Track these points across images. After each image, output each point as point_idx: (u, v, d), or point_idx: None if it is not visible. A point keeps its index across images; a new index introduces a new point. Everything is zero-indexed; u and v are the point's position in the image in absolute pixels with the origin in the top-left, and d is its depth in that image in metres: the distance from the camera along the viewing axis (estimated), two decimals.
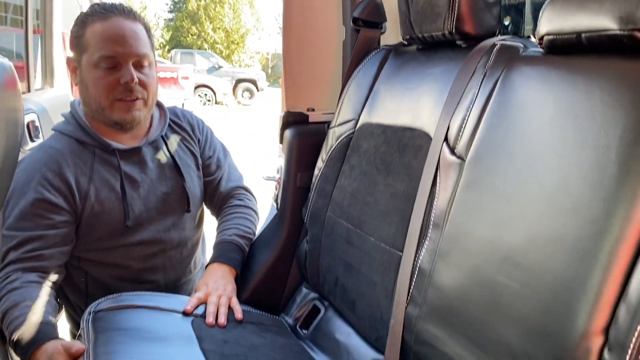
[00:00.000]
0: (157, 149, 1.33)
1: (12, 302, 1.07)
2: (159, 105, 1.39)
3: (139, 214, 1.27)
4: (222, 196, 1.42)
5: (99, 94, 1.20)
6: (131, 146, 1.28)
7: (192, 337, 1.04)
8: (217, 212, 1.44)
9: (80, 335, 1.03)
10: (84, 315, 1.07)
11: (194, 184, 1.38)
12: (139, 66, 1.22)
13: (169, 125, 1.37)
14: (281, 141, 1.40)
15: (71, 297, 1.34)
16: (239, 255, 1.28)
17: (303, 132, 1.37)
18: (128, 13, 1.23)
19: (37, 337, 1.02)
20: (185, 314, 1.10)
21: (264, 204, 1.50)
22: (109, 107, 1.21)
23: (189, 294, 1.26)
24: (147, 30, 1.26)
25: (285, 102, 1.40)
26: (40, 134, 1.66)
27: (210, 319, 1.10)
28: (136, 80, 1.20)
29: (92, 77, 1.20)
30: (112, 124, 1.24)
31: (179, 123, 1.40)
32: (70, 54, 1.27)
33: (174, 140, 1.38)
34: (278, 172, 1.44)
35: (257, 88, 14.24)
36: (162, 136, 1.34)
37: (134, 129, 1.27)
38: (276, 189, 1.45)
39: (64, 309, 1.44)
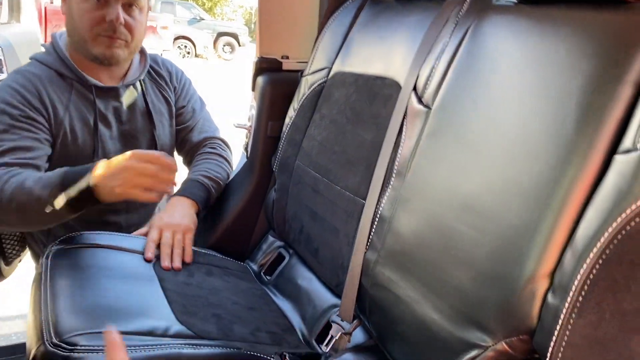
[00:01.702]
0: (132, 92, 1.32)
1: (29, 177, 1.07)
2: (141, 50, 1.38)
3: (107, 153, 1.26)
4: (194, 145, 1.42)
5: (83, 27, 1.20)
6: (108, 85, 1.27)
7: (154, 277, 1.05)
8: (188, 160, 1.43)
9: (40, 272, 1.02)
10: (44, 252, 1.06)
11: (164, 132, 1.38)
12: (128, 8, 1.21)
13: (148, 71, 1.37)
14: (253, 88, 1.38)
15: (35, 235, 1.33)
16: (203, 193, 1.27)
17: (276, 80, 1.35)
18: None
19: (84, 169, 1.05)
20: (147, 261, 1.10)
21: (235, 152, 1.49)
22: (91, 41, 1.20)
23: None
24: None
25: (259, 48, 1.37)
26: (4, 68, 1.61)
27: (165, 262, 1.09)
28: (122, 20, 1.19)
29: (79, 8, 1.19)
30: (91, 58, 1.23)
31: (158, 70, 1.40)
32: None
33: (150, 86, 1.37)
34: (249, 120, 1.42)
35: (238, 43, 13.93)
36: (139, 80, 1.34)
37: (112, 66, 1.26)
38: (247, 137, 1.44)
39: (27, 248, 1.43)
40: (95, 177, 1.03)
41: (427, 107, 0.85)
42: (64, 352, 0.76)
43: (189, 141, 1.42)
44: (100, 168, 1.04)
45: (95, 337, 0.79)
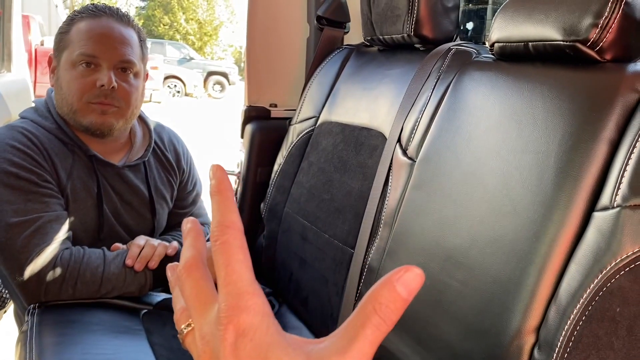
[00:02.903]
0: (135, 174, 1.26)
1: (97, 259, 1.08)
2: (144, 122, 1.32)
3: (110, 230, 1.23)
4: (177, 225, 1.40)
5: (72, 95, 1.12)
6: (110, 161, 1.20)
7: (141, 331, 1.04)
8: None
9: (25, 330, 1.01)
10: (28, 308, 1.05)
11: (163, 215, 1.34)
12: (122, 73, 1.14)
13: (153, 149, 1.30)
14: (242, 135, 1.40)
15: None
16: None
17: (265, 127, 1.37)
18: (122, 16, 1.16)
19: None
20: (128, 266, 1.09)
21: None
22: (80, 110, 1.12)
23: None
24: (141, 39, 1.19)
25: (247, 97, 1.39)
26: None
27: (128, 261, 1.09)
28: (114, 85, 1.11)
29: (68, 76, 1.12)
30: (83, 130, 1.16)
31: (164, 151, 1.33)
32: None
33: (155, 168, 1.31)
34: (238, 167, 1.43)
35: (228, 82, 14.11)
36: (143, 162, 1.26)
37: (106, 137, 1.18)
38: (236, 184, 1.45)
39: (11, 305, 1.41)
40: None
41: (412, 159, 0.87)
42: None
43: (179, 224, 1.41)
44: None
45: None
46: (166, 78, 11.92)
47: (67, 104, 1.14)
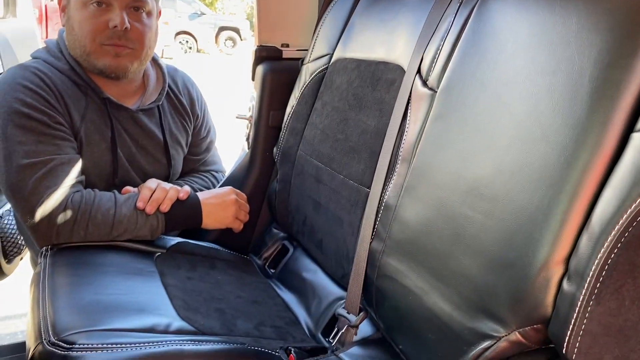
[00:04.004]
0: (150, 118, 1.23)
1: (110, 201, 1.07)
2: (158, 65, 1.28)
3: (124, 175, 1.21)
4: (190, 172, 1.39)
5: (85, 37, 1.09)
6: (123, 104, 1.18)
7: (154, 273, 1.02)
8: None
9: (39, 272, 1.00)
10: (41, 250, 1.04)
11: (179, 160, 1.32)
12: (134, 12, 1.11)
13: (167, 93, 1.27)
14: (253, 77, 1.35)
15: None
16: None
17: (276, 68, 1.32)
18: None
19: None
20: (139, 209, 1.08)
21: (236, 143, 1.46)
22: (94, 53, 1.10)
23: None
24: None
25: (258, 36, 1.34)
26: (0, 64, 1.58)
27: (139, 203, 1.08)
28: (127, 25, 1.08)
29: (79, 16, 1.09)
30: (97, 72, 1.13)
31: (178, 96, 1.30)
32: None
33: (169, 112, 1.28)
34: (250, 111, 1.39)
35: (240, 37, 13.88)
36: (157, 106, 1.24)
37: (121, 79, 1.16)
38: (247, 129, 1.41)
39: (27, 252, 1.41)
40: (206, 216, 1.16)
41: (432, 90, 0.82)
42: (61, 351, 0.74)
43: (193, 170, 1.39)
44: (208, 206, 1.17)
45: (93, 335, 0.77)
46: (177, 34, 11.76)
47: (80, 45, 1.12)
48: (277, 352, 0.86)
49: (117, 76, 1.15)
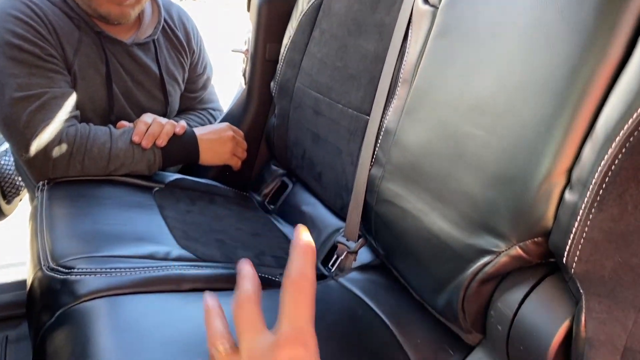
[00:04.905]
0: (145, 53, 1.21)
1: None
2: None
3: (120, 112, 1.19)
4: (188, 110, 1.37)
5: None
6: (118, 37, 1.15)
7: (153, 205, 1.02)
8: None
9: (36, 205, 1.00)
10: (38, 185, 1.03)
11: (176, 97, 1.30)
12: None
13: (163, 28, 1.25)
14: (249, 8, 1.30)
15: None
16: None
17: None
18: None
19: None
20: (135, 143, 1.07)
21: (233, 77, 1.44)
22: (95, 0, 1.08)
23: None
24: None
25: None
26: None
27: (135, 137, 1.06)
28: None
29: None
30: (97, 17, 1.11)
31: (174, 29, 1.27)
32: None
33: (165, 47, 1.25)
34: (246, 44, 1.35)
35: None
36: (153, 40, 1.21)
37: (122, 24, 1.15)
38: (244, 62, 1.38)
39: (26, 193, 1.40)
40: (203, 151, 1.15)
41: (434, 6, 0.78)
42: (60, 275, 0.74)
43: (190, 108, 1.37)
44: (205, 142, 1.15)
45: (92, 261, 0.77)
46: None
47: None
48: (277, 278, 0.86)
49: (120, 23, 1.13)
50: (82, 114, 1.11)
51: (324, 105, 1.06)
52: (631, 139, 0.50)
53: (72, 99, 1.07)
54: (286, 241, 1.07)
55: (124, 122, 1.13)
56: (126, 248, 0.82)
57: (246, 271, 0.43)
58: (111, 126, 1.09)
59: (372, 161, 0.86)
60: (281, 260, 0.97)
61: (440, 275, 0.70)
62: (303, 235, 0.42)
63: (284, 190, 1.26)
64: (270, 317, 0.74)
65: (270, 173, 1.31)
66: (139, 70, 1.20)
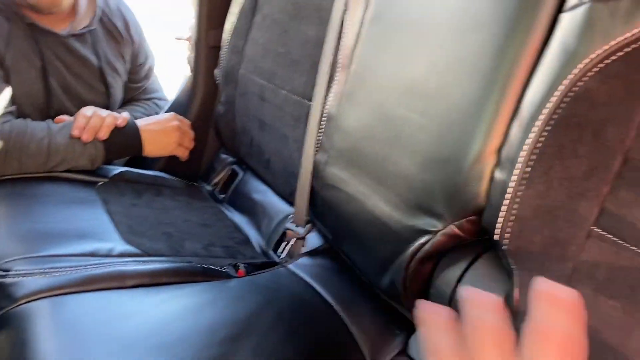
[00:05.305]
0: (83, 44, 1.16)
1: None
2: None
3: (60, 105, 1.15)
4: (131, 101, 1.34)
5: None
6: (52, 29, 1.11)
7: (97, 201, 0.99)
8: None
9: None
10: None
11: (118, 88, 1.26)
12: None
13: (100, 18, 1.20)
14: None
15: None
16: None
17: None
18: None
19: None
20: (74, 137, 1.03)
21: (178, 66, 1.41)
22: None
23: None
24: None
25: None
26: None
27: (74, 131, 1.03)
28: None
29: None
30: (26, 6, 1.07)
31: (112, 20, 1.23)
32: None
33: (103, 38, 1.21)
34: (189, 31, 1.32)
35: None
36: (90, 31, 1.17)
37: (53, 13, 1.10)
38: (189, 50, 1.35)
39: None
40: (147, 143, 1.12)
41: None
42: None
43: (134, 99, 1.34)
44: (148, 133, 1.12)
45: (31, 261, 0.75)
46: None
47: None
48: (226, 268, 0.86)
49: (51, 12, 1.09)
50: (19, 110, 1.07)
51: (269, 92, 1.05)
52: (554, 117, 0.51)
53: (6, 94, 1.03)
54: (236, 230, 1.07)
55: (63, 117, 1.09)
56: (67, 246, 0.80)
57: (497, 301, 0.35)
58: (50, 121, 1.05)
59: (316, 147, 0.86)
60: (231, 249, 0.97)
61: (383, 256, 0.71)
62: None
63: (234, 178, 1.25)
64: (219, 307, 0.74)
65: (220, 162, 1.30)
66: (77, 62, 1.16)
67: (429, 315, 0.36)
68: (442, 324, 0.35)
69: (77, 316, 0.67)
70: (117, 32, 1.24)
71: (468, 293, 0.35)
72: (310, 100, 0.92)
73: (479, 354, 0.32)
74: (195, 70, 1.29)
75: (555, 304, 0.32)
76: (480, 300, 0.35)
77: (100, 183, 1.06)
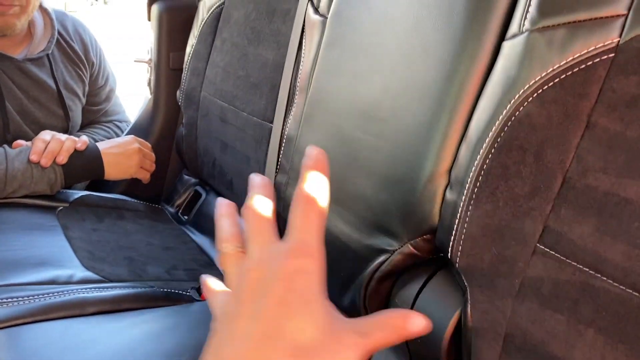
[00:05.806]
0: (40, 68, 1.15)
1: None
2: (45, 10, 1.19)
3: (17, 131, 1.13)
4: (92, 124, 1.33)
5: None
6: (7, 54, 1.10)
7: (57, 227, 0.98)
8: None
9: None
10: None
11: (77, 112, 1.25)
12: None
13: (57, 40, 1.19)
14: (149, 17, 1.28)
15: None
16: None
17: (172, 7, 1.26)
18: None
19: None
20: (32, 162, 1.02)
21: (139, 88, 1.40)
22: None
23: None
24: None
25: None
26: None
27: (33, 156, 1.01)
28: None
29: None
30: None
31: (69, 42, 1.22)
32: None
33: (60, 61, 1.20)
34: (149, 53, 1.33)
35: None
36: (47, 55, 1.16)
37: (7, 37, 1.09)
38: (148, 72, 1.35)
39: None
40: (108, 166, 1.11)
41: (323, 16, 0.80)
42: None
43: (94, 122, 1.33)
44: (109, 156, 1.12)
45: None
46: None
47: None
48: (189, 292, 0.86)
49: (4, 34, 1.08)
50: None
51: (230, 114, 1.06)
52: (499, 139, 0.54)
53: None
54: (200, 252, 1.07)
55: (20, 142, 1.07)
56: (25, 275, 0.79)
57: (258, 180, 0.42)
58: (6, 146, 1.04)
59: (277, 168, 0.87)
60: (194, 272, 0.97)
61: (344, 275, 0.72)
62: (315, 152, 0.40)
63: (197, 199, 1.25)
64: (182, 332, 0.74)
65: (182, 183, 1.30)
66: (34, 86, 1.15)
67: (219, 207, 0.43)
68: (227, 212, 0.43)
69: (36, 347, 0.66)
70: (75, 54, 1.24)
71: (250, 177, 0.43)
72: (270, 122, 0.94)
73: (247, 229, 0.39)
74: (156, 92, 1.30)
75: (309, 166, 0.40)
76: (253, 182, 0.42)
77: (60, 208, 1.05)
